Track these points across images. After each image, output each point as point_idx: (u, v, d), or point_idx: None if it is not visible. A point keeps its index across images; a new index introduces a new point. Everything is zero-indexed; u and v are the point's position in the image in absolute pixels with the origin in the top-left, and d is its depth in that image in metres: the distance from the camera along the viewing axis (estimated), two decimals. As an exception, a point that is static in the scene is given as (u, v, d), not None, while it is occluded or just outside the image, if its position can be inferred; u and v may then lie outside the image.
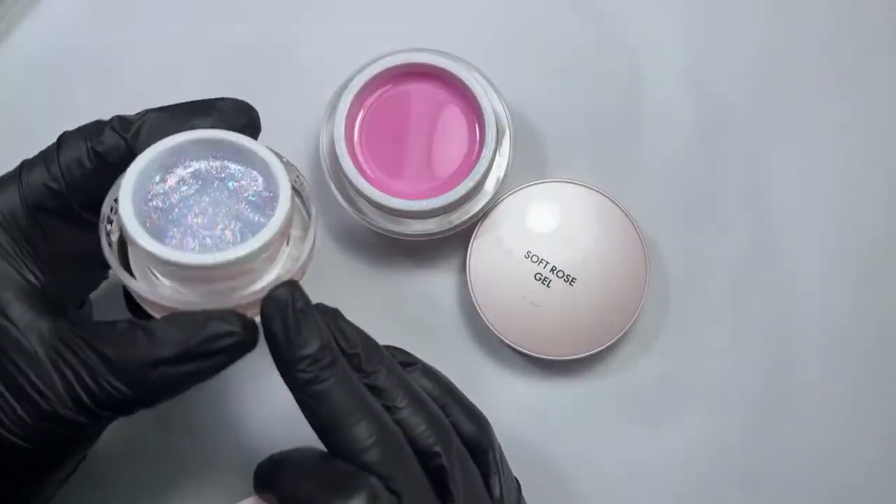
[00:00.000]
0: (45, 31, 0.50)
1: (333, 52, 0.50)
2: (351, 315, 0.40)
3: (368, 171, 0.46)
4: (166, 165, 0.37)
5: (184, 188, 0.38)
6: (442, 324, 0.49)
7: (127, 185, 0.36)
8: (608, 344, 0.47)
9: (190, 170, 0.38)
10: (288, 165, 0.38)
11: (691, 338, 0.49)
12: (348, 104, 0.44)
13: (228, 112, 0.39)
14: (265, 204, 0.38)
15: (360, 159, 0.46)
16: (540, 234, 0.47)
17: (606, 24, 0.51)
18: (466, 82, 0.45)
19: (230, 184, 0.38)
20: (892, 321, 0.50)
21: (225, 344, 0.35)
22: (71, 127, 0.50)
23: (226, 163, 0.38)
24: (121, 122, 0.38)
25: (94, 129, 0.38)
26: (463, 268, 0.48)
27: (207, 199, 0.38)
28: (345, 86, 0.45)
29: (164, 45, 0.50)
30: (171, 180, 0.37)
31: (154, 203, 0.37)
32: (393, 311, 0.49)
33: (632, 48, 0.51)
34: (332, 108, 0.46)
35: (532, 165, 0.49)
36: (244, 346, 0.35)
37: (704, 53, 0.51)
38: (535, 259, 0.47)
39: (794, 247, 0.50)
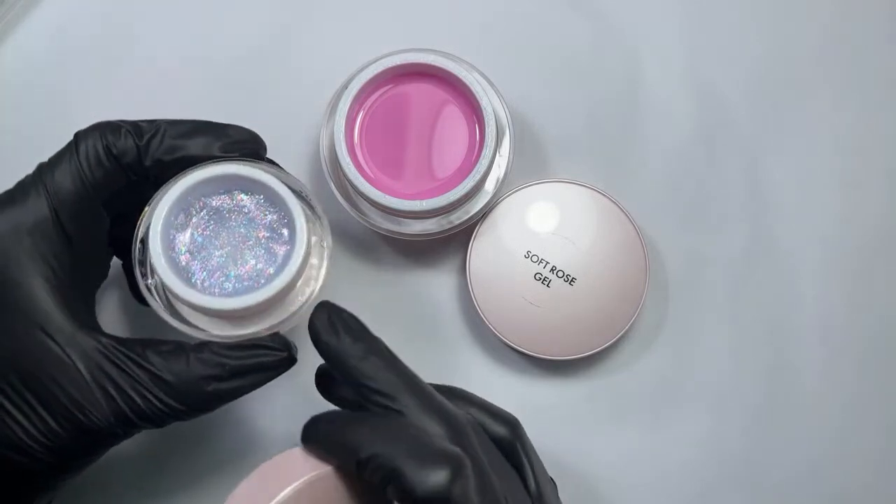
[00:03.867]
0: (46, 30, 0.50)
1: (333, 52, 0.50)
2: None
3: (368, 172, 0.45)
4: (184, 211, 0.39)
5: (205, 226, 0.40)
6: (442, 324, 0.49)
7: (155, 242, 0.38)
8: (608, 344, 0.47)
9: (207, 208, 0.40)
10: (292, 181, 0.40)
11: (691, 337, 0.49)
12: (348, 104, 0.44)
13: (237, 139, 0.40)
14: (284, 228, 0.40)
15: (360, 159, 0.46)
16: (540, 234, 0.47)
17: (606, 24, 0.51)
18: (466, 82, 0.45)
19: (246, 215, 0.40)
20: (891, 319, 0.50)
21: (271, 361, 0.39)
22: (69, 127, 0.50)
23: (239, 194, 0.40)
24: (134, 129, 0.39)
25: (108, 129, 0.39)
26: (463, 268, 0.48)
27: (228, 234, 0.40)
28: (345, 86, 0.45)
29: (164, 45, 0.50)
30: (193, 221, 0.40)
31: (180, 248, 0.39)
32: (393, 311, 0.49)
33: (632, 48, 0.51)
34: (332, 108, 0.45)
35: (532, 165, 0.49)
36: (287, 363, 0.40)
37: (704, 54, 0.51)
38: (535, 259, 0.47)
39: (794, 246, 0.50)
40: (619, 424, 0.49)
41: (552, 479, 0.41)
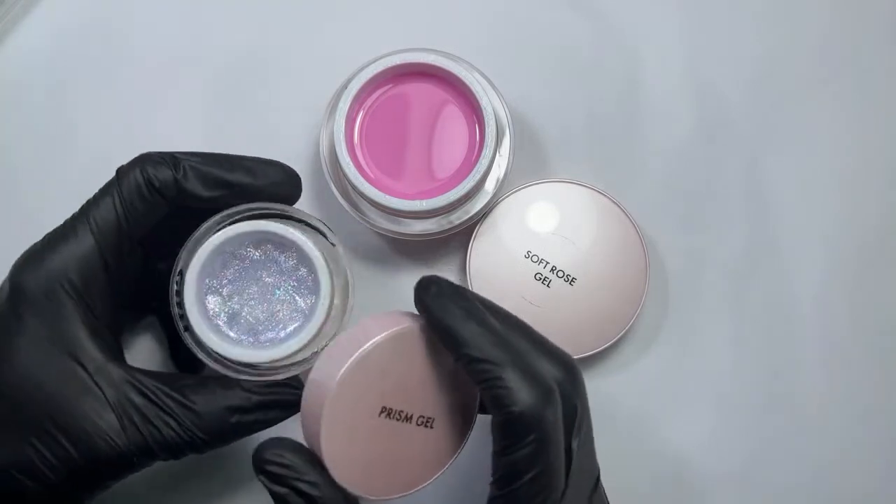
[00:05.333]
0: (46, 31, 0.50)
1: (333, 52, 0.50)
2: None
3: (368, 172, 0.45)
4: (220, 259, 0.41)
5: (235, 276, 0.41)
6: (442, 324, 0.49)
7: (189, 292, 0.40)
8: (608, 344, 0.47)
9: (239, 258, 0.41)
10: (320, 234, 0.42)
11: (691, 337, 0.49)
12: (348, 104, 0.44)
13: (274, 180, 0.41)
14: (310, 280, 0.41)
15: (360, 159, 0.46)
16: (540, 234, 0.47)
17: (606, 24, 0.51)
18: (466, 82, 0.45)
19: (276, 267, 0.41)
20: (891, 318, 0.50)
21: (291, 400, 0.40)
22: (69, 127, 0.50)
23: (269, 246, 0.41)
24: (172, 160, 0.40)
25: (148, 162, 0.40)
26: (463, 268, 0.48)
27: (257, 284, 0.41)
28: (345, 86, 0.45)
29: (164, 46, 0.50)
30: (225, 271, 0.41)
31: (212, 297, 0.41)
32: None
33: (632, 48, 0.51)
34: (332, 108, 0.45)
35: (532, 165, 0.49)
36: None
37: (704, 54, 0.51)
38: (535, 259, 0.47)
39: (793, 246, 0.50)
40: (619, 424, 0.49)
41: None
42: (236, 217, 0.40)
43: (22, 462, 0.38)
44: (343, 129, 0.44)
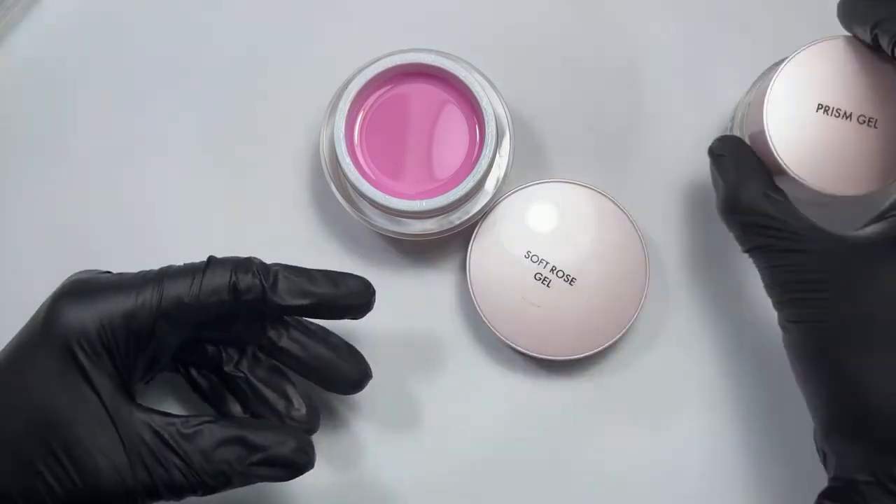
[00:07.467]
0: (45, 32, 0.50)
1: (333, 52, 0.50)
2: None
3: (369, 172, 0.46)
4: None
5: None
6: (442, 324, 0.49)
7: None
8: (608, 344, 0.47)
9: None
10: None
11: (691, 337, 0.49)
12: (348, 104, 0.44)
13: (354, 290, 0.42)
14: None
15: (360, 159, 0.46)
16: (540, 234, 0.47)
17: (606, 24, 0.51)
18: (466, 82, 0.45)
19: None
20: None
21: (297, 460, 0.40)
22: (69, 127, 0.50)
23: None
24: (262, 270, 0.41)
25: (240, 266, 0.41)
26: (463, 268, 0.48)
27: None
28: (345, 86, 0.45)
29: (163, 45, 0.50)
30: None
31: None
32: (393, 311, 0.49)
33: (632, 48, 0.51)
34: (332, 108, 0.46)
35: (532, 165, 0.49)
36: (307, 466, 0.41)
37: (704, 53, 0.51)
38: (535, 259, 0.47)
39: (794, 247, 0.50)
40: (620, 424, 0.49)
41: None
42: None
43: (28, 488, 0.38)
44: (343, 129, 0.44)
